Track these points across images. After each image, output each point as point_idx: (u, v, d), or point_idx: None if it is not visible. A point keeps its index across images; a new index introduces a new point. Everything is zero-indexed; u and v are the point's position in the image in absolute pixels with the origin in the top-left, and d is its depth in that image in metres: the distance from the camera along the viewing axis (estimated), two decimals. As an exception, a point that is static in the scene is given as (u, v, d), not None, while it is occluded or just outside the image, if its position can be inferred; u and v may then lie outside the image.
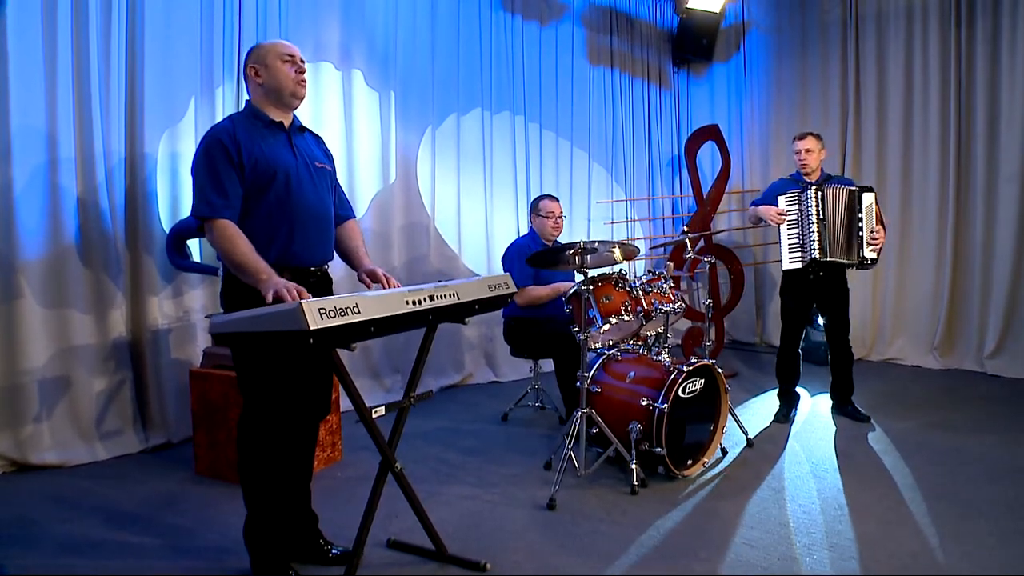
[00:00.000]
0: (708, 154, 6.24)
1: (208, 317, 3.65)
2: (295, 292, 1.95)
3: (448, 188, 5.13)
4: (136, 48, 3.57)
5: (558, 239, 4.21)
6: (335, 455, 3.50)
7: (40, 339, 3.31)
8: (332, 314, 1.66)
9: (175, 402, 3.68)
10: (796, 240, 3.95)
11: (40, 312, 3.31)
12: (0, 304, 3.22)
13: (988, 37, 5.19)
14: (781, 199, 4.00)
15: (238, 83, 3.94)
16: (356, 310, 1.73)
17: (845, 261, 3.89)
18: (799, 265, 3.94)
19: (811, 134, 4.08)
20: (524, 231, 5.45)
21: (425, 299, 1.99)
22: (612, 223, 6.12)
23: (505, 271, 4.09)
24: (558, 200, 4.19)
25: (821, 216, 3.86)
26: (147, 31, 3.58)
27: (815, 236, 3.87)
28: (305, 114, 3.79)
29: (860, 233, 3.84)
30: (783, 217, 3.95)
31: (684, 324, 5.84)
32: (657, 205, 6.71)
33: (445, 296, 2.08)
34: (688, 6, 6.01)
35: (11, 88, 3.18)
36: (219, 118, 3.86)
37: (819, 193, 3.88)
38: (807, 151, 4.02)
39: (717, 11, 6.09)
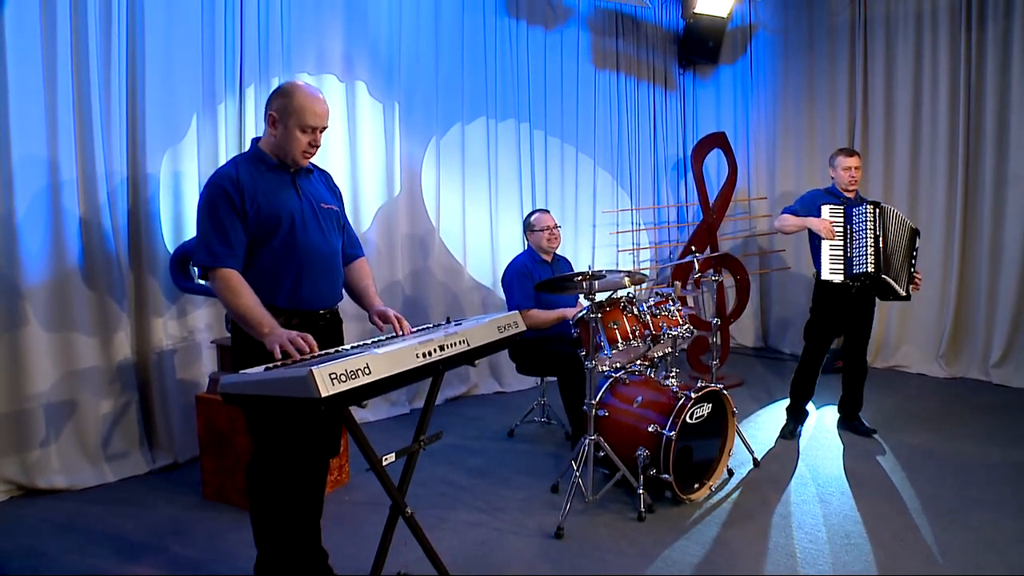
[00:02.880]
0: (714, 160, 6.19)
1: (213, 343, 3.65)
2: (300, 344, 1.94)
3: (453, 198, 5.10)
4: (136, 66, 3.53)
5: (556, 250, 4.18)
6: (342, 478, 3.50)
7: (45, 363, 3.30)
8: (343, 378, 1.64)
9: (181, 423, 3.67)
10: (840, 252, 3.88)
11: (45, 336, 3.30)
12: (5, 329, 3.20)
13: (998, 42, 5.13)
14: (825, 209, 3.92)
15: (240, 99, 3.90)
16: (367, 371, 1.72)
17: (896, 285, 3.85)
18: (839, 278, 3.88)
19: (857, 152, 4.08)
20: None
21: (435, 350, 1.97)
22: (617, 232, 6.09)
23: (505, 293, 4.07)
24: (548, 211, 4.16)
25: (877, 233, 3.81)
26: (147, 48, 3.53)
27: (869, 251, 3.79)
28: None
29: (912, 269, 3.88)
30: (835, 232, 3.88)
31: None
32: (662, 212, 6.66)
33: (455, 344, 2.06)
34: (695, 11, 5.93)
35: (11, 111, 3.14)
36: (221, 135, 3.84)
37: (876, 210, 3.83)
38: (858, 168, 3.99)
39: (724, 15, 6.02)
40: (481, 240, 5.29)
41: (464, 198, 5.16)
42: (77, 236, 3.38)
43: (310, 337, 2.01)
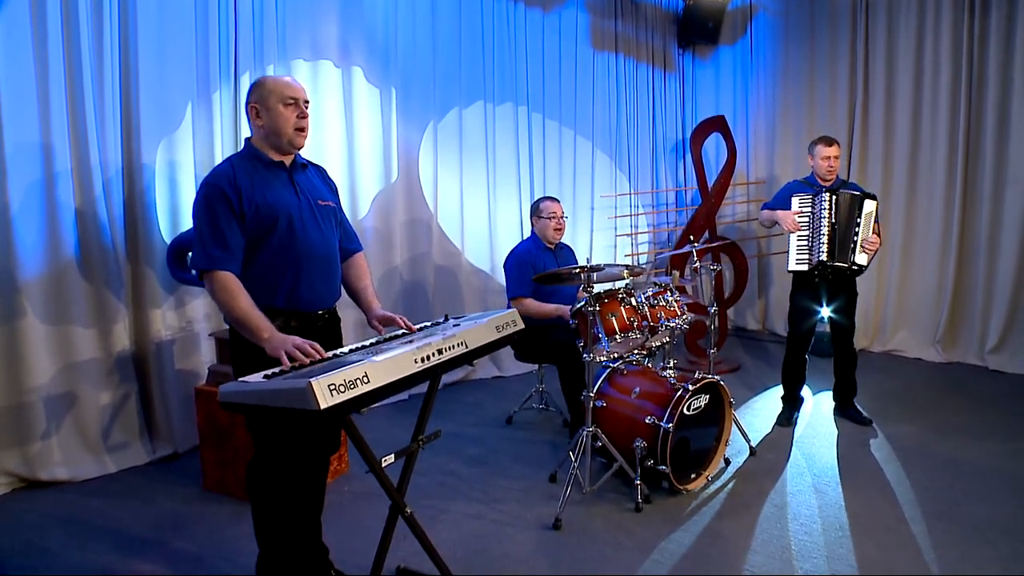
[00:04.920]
0: (713, 143, 6.15)
1: (211, 335, 3.65)
2: (308, 351, 1.95)
3: (450, 183, 5.07)
4: (130, 55, 3.49)
5: (561, 240, 4.17)
6: (341, 467, 3.53)
7: (44, 356, 3.30)
8: (342, 388, 1.64)
9: (180, 413, 3.69)
10: (805, 242, 3.94)
11: (43, 329, 3.30)
12: (2, 323, 3.20)
13: (1002, 28, 5.07)
14: (795, 200, 3.97)
15: (235, 87, 3.86)
16: (366, 379, 1.71)
17: (841, 264, 3.88)
18: (805, 267, 3.94)
19: (836, 140, 4.04)
20: (527, 225, 5.41)
21: (433, 354, 1.97)
22: (616, 217, 6.07)
23: (505, 275, 4.06)
24: (558, 201, 4.14)
25: (833, 220, 3.85)
26: (140, 37, 3.48)
27: (824, 239, 3.86)
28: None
29: (855, 238, 3.84)
30: (799, 224, 3.92)
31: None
32: (661, 195, 6.63)
33: (453, 347, 2.06)
34: (696, -8, 5.86)
35: (3, 103, 3.11)
36: (217, 123, 3.81)
37: (833, 197, 3.85)
38: (836, 158, 3.98)
39: (725, -3, 5.95)
40: (479, 225, 5.28)
41: (462, 183, 5.13)
42: (73, 228, 3.36)
43: (316, 344, 2.01)
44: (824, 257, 3.87)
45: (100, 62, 3.37)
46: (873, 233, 3.89)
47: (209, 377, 3.43)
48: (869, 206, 3.86)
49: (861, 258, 3.87)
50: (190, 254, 3.50)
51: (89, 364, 3.42)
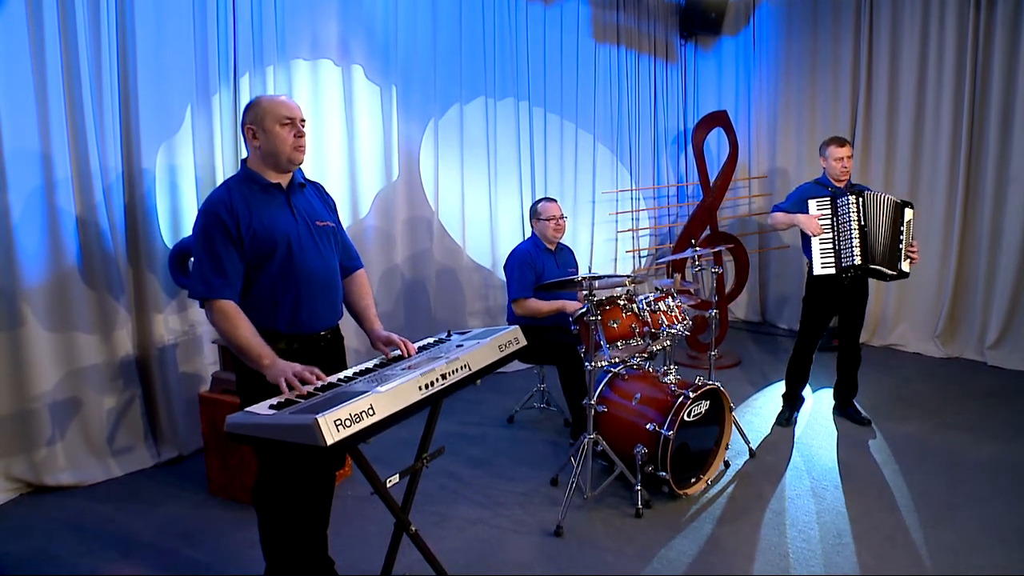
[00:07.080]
0: (714, 136, 6.12)
1: (214, 341, 3.65)
2: (307, 377, 1.97)
3: (451, 180, 5.06)
4: (128, 58, 3.46)
5: (561, 240, 4.18)
6: (345, 470, 3.56)
7: (48, 363, 3.32)
8: (348, 423, 1.66)
9: (184, 416, 3.72)
10: (830, 245, 3.88)
11: (46, 336, 3.31)
12: (6, 330, 3.21)
13: (1008, 21, 5.02)
14: (812, 204, 3.91)
15: (235, 89, 3.83)
16: (371, 412, 1.73)
17: (887, 270, 3.86)
18: (831, 271, 3.89)
19: (848, 140, 4.00)
20: (528, 222, 5.39)
21: (437, 379, 1.98)
22: (617, 213, 6.06)
23: (506, 278, 4.08)
24: (556, 201, 4.14)
25: (862, 223, 3.81)
26: (138, 40, 3.46)
27: (855, 243, 3.81)
28: (306, 114, 3.69)
29: (900, 245, 3.83)
30: (822, 228, 3.87)
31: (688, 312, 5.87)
32: (662, 190, 6.61)
33: (457, 371, 2.07)
34: (698, -17, 5.79)
35: (1, 109, 3.09)
36: (216, 126, 3.79)
37: (859, 200, 3.82)
38: (849, 158, 3.93)
39: (728, -12, 5.88)
40: (480, 221, 5.27)
41: (463, 179, 5.12)
42: (74, 235, 3.36)
43: (316, 370, 2.03)
44: (858, 261, 3.82)
45: (98, 66, 3.35)
46: (914, 239, 3.90)
47: (213, 383, 3.45)
48: (909, 214, 3.85)
49: (905, 265, 3.87)
50: (190, 267, 3.53)
51: (93, 370, 3.44)
